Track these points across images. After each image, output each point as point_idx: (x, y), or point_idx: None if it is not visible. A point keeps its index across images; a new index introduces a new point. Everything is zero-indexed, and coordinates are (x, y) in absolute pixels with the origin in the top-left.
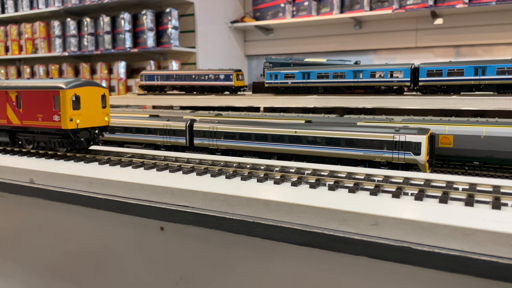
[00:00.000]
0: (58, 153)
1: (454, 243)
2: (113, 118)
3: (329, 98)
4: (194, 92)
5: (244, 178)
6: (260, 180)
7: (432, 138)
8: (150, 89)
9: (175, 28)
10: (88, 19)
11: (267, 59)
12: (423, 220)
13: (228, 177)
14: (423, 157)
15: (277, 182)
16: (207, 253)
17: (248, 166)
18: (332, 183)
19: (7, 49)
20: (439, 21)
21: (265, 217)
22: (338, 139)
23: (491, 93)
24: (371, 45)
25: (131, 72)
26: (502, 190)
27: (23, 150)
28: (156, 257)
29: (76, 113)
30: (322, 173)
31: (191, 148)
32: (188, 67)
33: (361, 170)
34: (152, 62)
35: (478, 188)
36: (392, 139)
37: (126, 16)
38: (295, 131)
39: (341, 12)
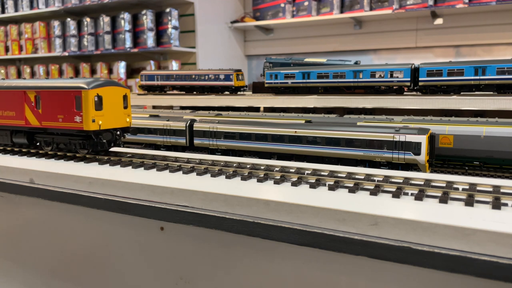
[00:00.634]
0: (68, 154)
1: (454, 243)
2: None
3: (329, 98)
4: (194, 92)
5: (244, 178)
6: (260, 180)
7: (432, 138)
8: (150, 89)
9: (175, 28)
10: (88, 19)
11: (267, 59)
12: (423, 220)
13: (228, 177)
14: (423, 157)
15: (277, 182)
16: (207, 253)
17: (248, 166)
18: (332, 183)
19: (7, 49)
20: (439, 21)
21: (265, 217)
22: (338, 139)
23: (491, 93)
24: (371, 45)
25: (131, 72)
26: (502, 190)
27: (23, 150)
28: (156, 257)
29: (98, 114)
30: (322, 173)
31: (191, 148)
32: (188, 67)
33: (361, 170)
34: (152, 62)
35: (478, 188)
36: (392, 139)
37: (126, 16)
38: (295, 131)
39: (341, 12)
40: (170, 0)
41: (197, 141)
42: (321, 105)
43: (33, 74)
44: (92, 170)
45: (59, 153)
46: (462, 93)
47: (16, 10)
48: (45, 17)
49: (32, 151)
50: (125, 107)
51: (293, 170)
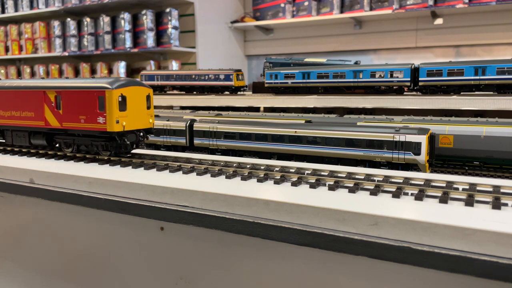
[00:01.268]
0: (68, 154)
1: (454, 243)
2: None
3: (329, 98)
4: (194, 92)
5: (244, 178)
6: (260, 180)
7: (432, 138)
8: None
9: (175, 28)
10: (88, 19)
11: (267, 59)
12: (423, 220)
13: (228, 177)
14: (423, 157)
15: (277, 182)
16: (207, 253)
17: (248, 166)
18: (332, 183)
19: (7, 49)
20: (439, 21)
21: (265, 217)
22: (338, 139)
23: (491, 93)
24: (371, 45)
25: (131, 72)
26: (502, 190)
27: (23, 150)
28: (156, 257)
29: (122, 114)
30: (322, 173)
31: (191, 148)
32: (188, 67)
33: (361, 170)
34: (152, 62)
35: (478, 188)
36: (392, 139)
37: (126, 16)
38: (295, 131)
39: (341, 12)
40: (170, 0)
41: (197, 141)
42: (321, 105)
43: (33, 74)
44: (92, 170)
45: (59, 153)
46: (462, 93)
47: (16, 10)
48: (45, 17)
49: (32, 151)
50: (148, 108)
51: (293, 170)
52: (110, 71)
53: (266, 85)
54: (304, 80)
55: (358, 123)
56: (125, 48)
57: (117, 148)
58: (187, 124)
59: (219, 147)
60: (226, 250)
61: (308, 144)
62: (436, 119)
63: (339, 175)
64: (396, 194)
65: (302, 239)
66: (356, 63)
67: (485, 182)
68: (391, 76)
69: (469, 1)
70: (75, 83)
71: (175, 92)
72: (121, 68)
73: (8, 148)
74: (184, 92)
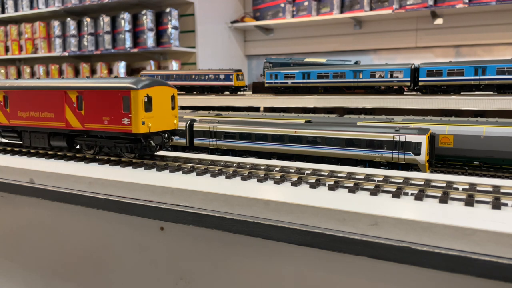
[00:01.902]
0: (68, 154)
1: (454, 243)
2: None
3: (329, 98)
4: (194, 92)
5: (244, 178)
6: (260, 180)
7: (432, 138)
8: None
9: (175, 28)
10: (88, 19)
11: (267, 59)
12: (423, 220)
13: (228, 177)
14: (423, 157)
15: (277, 182)
16: (207, 253)
17: (248, 166)
18: (332, 183)
19: (7, 49)
20: (439, 21)
21: (265, 217)
22: (338, 139)
23: (491, 93)
24: (371, 45)
25: (131, 72)
26: (502, 190)
27: (23, 150)
28: (156, 257)
29: (148, 115)
30: (322, 173)
31: (191, 148)
32: (188, 67)
33: (361, 170)
34: (152, 62)
35: (478, 188)
36: (392, 139)
37: (126, 16)
38: (295, 131)
39: (341, 12)
40: (170, 0)
41: (197, 141)
42: (321, 105)
43: (33, 74)
44: (92, 170)
45: (59, 153)
46: (462, 93)
47: (16, 10)
48: (45, 17)
49: (32, 151)
50: (173, 108)
51: (293, 170)
52: (110, 71)
53: (266, 85)
54: (304, 80)
55: (358, 123)
56: (125, 48)
57: (142, 150)
58: (187, 124)
59: (219, 147)
60: (226, 250)
61: (308, 144)
62: (436, 119)
63: (339, 175)
64: (396, 194)
65: (302, 239)
66: (356, 63)
67: (485, 182)
68: (391, 76)
69: (469, 1)
70: (98, 83)
71: None
72: (121, 68)
73: (8, 148)
74: (184, 92)
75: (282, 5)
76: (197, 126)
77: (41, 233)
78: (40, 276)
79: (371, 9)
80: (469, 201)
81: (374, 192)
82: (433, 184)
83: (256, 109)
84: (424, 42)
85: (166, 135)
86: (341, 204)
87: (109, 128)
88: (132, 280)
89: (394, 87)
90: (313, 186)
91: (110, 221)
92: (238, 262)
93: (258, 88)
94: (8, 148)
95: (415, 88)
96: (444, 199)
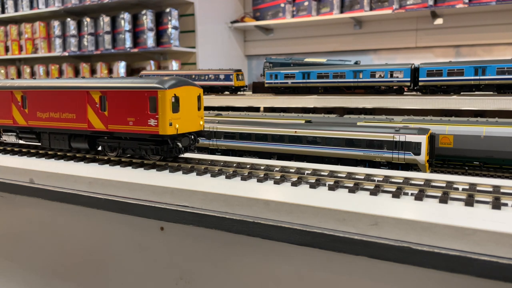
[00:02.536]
0: (68, 154)
1: (454, 243)
2: None
3: (329, 98)
4: None
5: (244, 178)
6: (260, 180)
7: (432, 138)
8: None
9: (175, 28)
10: (88, 19)
11: (267, 59)
12: (423, 220)
13: (228, 177)
14: (423, 157)
15: (277, 182)
16: (207, 253)
17: (248, 166)
18: (332, 183)
19: (7, 49)
20: (439, 21)
21: (265, 217)
22: (338, 139)
23: (491, 93)
24: (371, 45)
25: (131, 72)
26: (502, 190)
27: (23, 150)
28: (156, 257)
29: (175, 116)
30: (322, 173)
31: None
32: (188, 67)
33: (361, 170)
34: (152, 62)
35: (478, 188)
36: (392, 139)
37: (126, 16)
38: (295, 131)
39: (341, 12)
40: (170, 0)
41: None
42: (321, 105)
43: (33, 74)
44: (92, 170)
45: (59, 153)
46: (462, 93)
47: (16, 10)
48: (45, 17)
49: (32, 151)
50: (199, 109)
51: (293, 170)
52: (110, 71)
53: (266, 85)
54: (304, 80)
55: (358, 123)
56: (125, 48)
57: (168, 152)
58: None
59: (219, 147)
60: (226, 250)
61: (308, 144)
62: (436, 119)
63: (339, 175)
64: (396, 194)
65: (302, 239)
66: (356, 63)
67: (485, 182)
68: (391, 76)
69: (469, 1)
70: (122, 83)
71: None
72: (121, 68)
73: (8, 148)
74: None
75: (282, 5)
76: None
77: (41, 233)
78: (40, 276)
79: (371, 9)
80: (469, 201)
81: (374, 192)
82: (433, 184)
83: (256, 109)
84: (424, 42)
85: (193, 137)
86: (341, 204)
87: (134, 129)
88: (132, 280)
89: (394, 87)
90: (313, 186)
91: (110, 221)
92: (238, 262)
93: (258, 88)
94: (8, 148)
95: (415, 88)
96: (444, 199)
